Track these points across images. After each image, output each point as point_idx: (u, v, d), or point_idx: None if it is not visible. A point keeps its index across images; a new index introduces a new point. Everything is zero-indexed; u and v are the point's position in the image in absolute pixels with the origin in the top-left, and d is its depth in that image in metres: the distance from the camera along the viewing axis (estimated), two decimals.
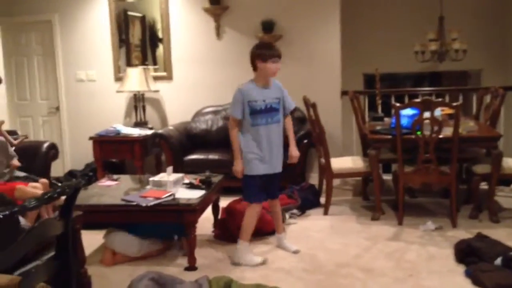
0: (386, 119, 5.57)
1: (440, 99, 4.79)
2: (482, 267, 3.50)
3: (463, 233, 4.28)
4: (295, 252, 3.99)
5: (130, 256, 3.94)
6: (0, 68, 5.54)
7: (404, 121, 4.60)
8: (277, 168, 3.90)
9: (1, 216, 1.85)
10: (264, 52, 3.73)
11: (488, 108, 5.46)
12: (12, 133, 5.08)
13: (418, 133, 4.41)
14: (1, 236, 1.96)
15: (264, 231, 4.31)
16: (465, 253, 3.75)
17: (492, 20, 8.14)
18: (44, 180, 4.40)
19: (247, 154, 3.80)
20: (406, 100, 6.04)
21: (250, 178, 3.84)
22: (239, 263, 3.82)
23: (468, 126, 4.84)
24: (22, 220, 2.83)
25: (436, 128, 4.37)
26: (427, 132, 4.39)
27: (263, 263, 3.81)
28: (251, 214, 3.89)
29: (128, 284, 3.21)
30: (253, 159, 3.80)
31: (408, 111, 4.72)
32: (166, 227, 4.06)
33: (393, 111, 4.57)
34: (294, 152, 4.00)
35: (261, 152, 3.80)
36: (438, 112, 4.55)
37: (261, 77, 3.79)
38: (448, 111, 4.87)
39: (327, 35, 6.12)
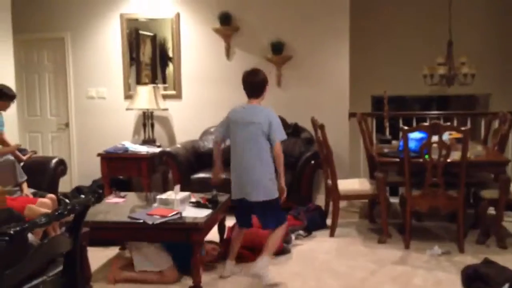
0: (393, 141, 5.57)
1: (448, 123, 4.81)
2: None
3: (470, 259, 4.26)
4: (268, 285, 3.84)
5: (151, 270, 3.92)
6: (11, 84, 5.57)
7: (412, 145, 4.59)
8: (253, 196, 3.85)
9: (12, 232, 1.85)
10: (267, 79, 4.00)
11: (497, 133, 5.45)
12: (20, 150, 5.12)
13: (426, 156, 4.41)
14: (11, 253, 1.97)
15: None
16: (472, 279, 3.72)
17: (501, 45, 8.18)
18: (52, 196, 4.42)
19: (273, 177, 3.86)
20: (414, 123, 6.04)
21: (276, 201, 3.87)
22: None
23: (476, 151, 4.84)
24: (30, 236, 2.84)
25: (444, 152, 4.37)
26: (435, 156, 4.38)
27: None
28: (234, 236, 4.13)
29: None
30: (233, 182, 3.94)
31: (416, 135, 4.72)
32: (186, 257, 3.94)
33: (401, 134, 4.58)
34: (283, 191, 3.94)
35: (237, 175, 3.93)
36: (446, 136, 4.56)
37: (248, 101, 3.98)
38: (456, 135, 4.86)
39: (336, 57, 6.16)
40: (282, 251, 4.39)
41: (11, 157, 4.55)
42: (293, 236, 4.75)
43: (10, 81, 5.52)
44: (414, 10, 8.35)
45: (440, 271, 4.05)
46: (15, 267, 1.90)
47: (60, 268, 2.55)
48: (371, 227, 5.23)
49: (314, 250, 4.59)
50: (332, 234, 4.95)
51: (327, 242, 4.82)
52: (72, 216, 2.36)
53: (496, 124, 5.66)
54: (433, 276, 3.97)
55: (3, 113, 4.89)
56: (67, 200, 2.50)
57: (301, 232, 4.90)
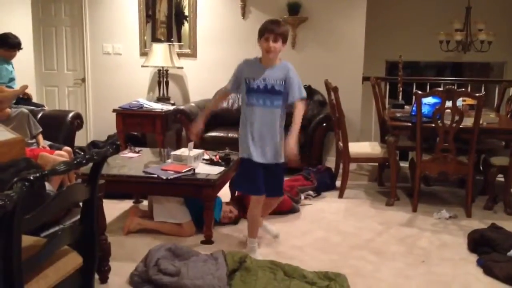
0: (406, 106, 5.59)
1: (462, 89, 4.79)
2: (495, 257, 3.54)
3: (477, 223, 4.33)
4: (275, 236, 3.88)
5: (171, 225, 4.01)
6: (29, 37, 5.64)
7: (425, 110, 4.61)
8: (271, 158, 3.48)
9: (32, 178, 1.92)
10: (260, 29, 3.43)
11: (510, 101, 5.44)
12: (38, 105, 5.20)
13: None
14: (30, 199, 2.05)
15: (277, 210, 4.39)
16: (478, 243, 3.78)
17: None
18: (68, 148, 4.52)
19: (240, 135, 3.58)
20: (428, 89, 6.03)
21: (242, 162, 3.59)
22: None
23: (488, 118, 4.85)
24: (47, 185, 2.94)
25: (457, 117, 4.39)
26: (447, 122, 4.41)
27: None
28: (255, 208, 3.64)
29: (146, 253, 3.32)
30: (242, 141, 3.55)
31: (429, 100, 4.73)
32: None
33: (414, 98, 4.59)
34: (292, 146, 3.35)
35: (254, 136, 3.47)
36: (459, 102, 4.56)
37: (262, 55, 3.48)
38: (470, 101, 4.88)
39: (352, 20, 6.12)
40: (291, 210, 4.49)
41: (25, 110, 4.63)
42: (302, 196, 4.84)
43: (27, 35, 5.59)
44: None
45: (446, 234, 4.13)
46: (34, 212, 1.98)
47: (78, 216, 2.65)
48: (379, 190, 5.31)
49: (323, 210, 4.68)
50: (341, 196, 5.03)
51: (336, 203, 4.90)
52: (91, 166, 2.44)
53: (510, 92, 5.64)
54: (439, 239, 4.04)
55: (15, 64, 4.91)
56: (83, 153, 2.58)
57: (310, 192, 4.99)
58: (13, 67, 5.11)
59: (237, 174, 3.80)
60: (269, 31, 3.36)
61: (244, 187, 3.78)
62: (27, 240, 2.21)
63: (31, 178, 1.91)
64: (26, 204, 1.94)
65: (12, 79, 5.07)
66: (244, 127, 3.51)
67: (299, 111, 3.43)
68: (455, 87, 5.38)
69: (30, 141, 4.51)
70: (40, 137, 4.61)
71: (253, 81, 3.43)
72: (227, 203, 4.34)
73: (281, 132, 3.50)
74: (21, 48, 5.00)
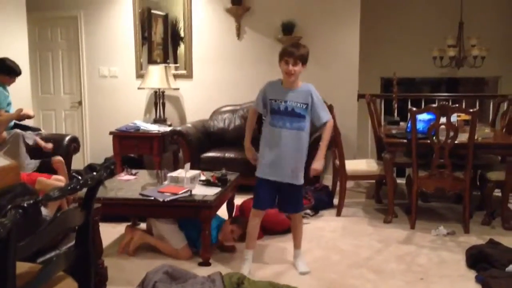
0: (401, 123, 5.61)
1: (456, 105, 4.82)
2: (493, 273, 3.52)
3: (475, 239, 4.31)
4: (302, 273, 3.68)
5: (170, 247, 4.00)
6: (25, 61, 5.67)
7: (420, 126, 4.63)
8: (286, 178, 3.56)
9: (26, 205, 1.92)
10: (281, 52, 3.56)
11: (505, 116, 5.47)
12: (35, 129, 5.21)
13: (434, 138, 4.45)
14: (25, 225, 2.05)
15: (273, 230, 4.39)
16: (477, 259, 3.77)
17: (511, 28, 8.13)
18: (60, 158, 4.52)
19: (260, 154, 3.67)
20: (423, 105, 6.06)
21: (256, 180, 3.67)
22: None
23: (483, 133, 4.86)
24: (44, 210, 2.93)
25: (451, 133, 4.40)
26: (442, 138, 4.42)
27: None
28: (251, 219, 3.75)
29: (143, 276, 3.30)
30: (260, 160, 3.64)
31: (424, 116, 4.75)
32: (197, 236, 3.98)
33: (409, 115, 4.61)
34: (317, 165, 3.60)
35: (268, 155, 3.57)
36: (454, 118, 4.58)
37: (283, 78, 3.58)
38: (465, 117, 4.90)
39: (346, 38, 6.18)
40: (289, 229, 4.47)
41: (18, 130, 4.63)
42: None
43: (24, 59, 5.61)
44: None
45: (444, 251, 4.12)
46: (28, 239, 1.98)
47: (73, 242, 2.64)
48: (377, 207, 5.30)
49: (321, 228, 4.67)
50: (338, 214, 5.03)
51: (334, 221, 4.90)
52: (86, 191, 2.44)
53: (504, 106, 5.67)
54: (438, 255, 4.03)
55: (10, 90, 4.93)
56: (79, 177, 2.58)
57: (308, 211, 4.97)
58: (8, 91, 5.13)
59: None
60: (288, 54, 3.46)
61: (253, 199, 3.81)
62: (21, 266, 2.21)
63: (25, 205, 1.90)
64: (21, 230, 1.93)
65: (9, 104, 5.08)
66: (263, 146, 3.62)
67: (326, 133, 3.60)
68: (450, 103, 5.42)
69: (27, 162, 4.50)
70: (38, 139, 4.61)
71: (275, 103, 3.53)
72: (231, 222, 4.27)
73: (300, 154, 3.58)
74: (19, 74, 5.02)
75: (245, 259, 3.73)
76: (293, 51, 3.46)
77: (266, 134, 3.61)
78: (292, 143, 3.52)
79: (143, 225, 4.52)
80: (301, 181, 3.62)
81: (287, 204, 3.72)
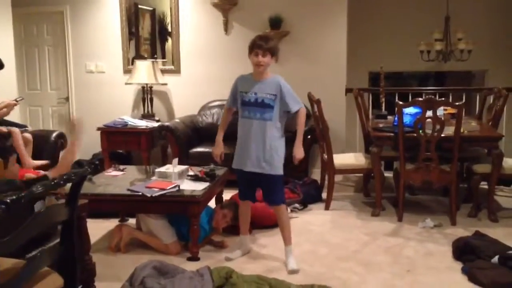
0: (389, 117, 5.63)
1: (443, 99, 4.85)
2: (479, 264, 3.57)
3: (462, 231, 4.36)
4: (291, 271, 3.63)
5: (160, 242, 4.01)
6: (11, 57, 5.62)
7: (406, 120, 4.66)
8: (251, 167, 3.64)
9: (9, 201, 1.91)
10: (250, 44, 3.67)
11: (491, 109, 5.51)
12: (21, 126, 5.17)
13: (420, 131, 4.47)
14: (10, 221, 2.04)
15: (262, 224, 4.40)
16: (463, 251, 3.82)
17: (498, 22, 8.19)
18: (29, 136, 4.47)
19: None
20: (410, 98, 6.08)
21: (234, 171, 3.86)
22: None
23: (470, 126, 4.90)
24: (41, 203, 2.86)
25: (438, 127, 4.43)
26: (429, 131, 4.45)
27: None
28: (239, 210, 3.99)
29: (131, 272, 3.30)
30: (235, 151, 3.78)
31: (411, 110, 4.78)
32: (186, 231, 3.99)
33: (396, 109, 4.64)
34: (296, 152, 3.69)
35: (239, 146, 3.73)
36: (441, 111, 4.61)
37: (253, 69, 3.71)
38: (451, 110, 4.93)
39: (333, 33, 6.18)
40: (277, 223, 4.48)
41: None
42: (289, 209, 4.83)
43: (9, 55, 5.57)
44: None
45: (431, 243, 4.15)
46: (11, 235, 1.97)
47: (58, 238, 2.64)
48: (365, 201, 5.33)
49: (309, 222, 4.69)
50: (327, 207, 5.05)
51: (322, 215, 4.92)
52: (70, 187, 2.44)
53: (491, 100, 5.71)
54: (425, 247, 4.07)
55: None
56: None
57: (297, 205, 4.99)
58: None
59: None
60: (257, 46, 3.59)
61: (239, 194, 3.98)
62: (5, 262, 2.20)
63: (8, 201, 1.90)
64: (4, 225, 1.93)
65: None
66: (238, 138, 3.73)
67: (300, 120, 3.67)
68: (437, 96, 5.45)
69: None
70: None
71: (245, 95, 3.65)
72: (220, 208, 4.30)
73: (273, 144, 3.63)
74: (2, 67, 4.97)
75: (240, 243, 3.95)
76: (261, 44, 3.59)
77: (239, 127, 3.75)
78: (258, 133, 3.61)
79: (131, 221, 4.52)
80: (276, 171, 3.66)
81: (265, 196, 3.81)
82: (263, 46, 3.57)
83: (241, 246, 3.96)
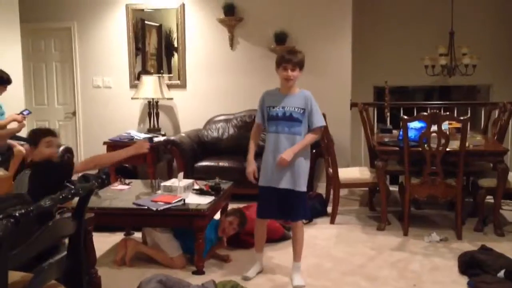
0: (394, 131, 5.64)
1: (447, 113, 4.86)
2: (485, 279, 3.56)
3: (468, 245, 4.34)
4: (296, 287, 3.63)
5: (165, 256, 4.01)
6: (19, 72, 5.69)
7: (411, 134, 4.67)
8: (283, 183, 3.59)
9: (18, 214, 1.94)
10: (277, 59, 3.66)
11: (496, 123, 5.52)
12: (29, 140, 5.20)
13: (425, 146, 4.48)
14: (18, 235, 2.06)
15: (270, 238, 4.39)
16: (469, 265, 3.80)
17: (503, 37, 8.22)
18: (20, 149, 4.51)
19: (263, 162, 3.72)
20: (415, 113, 6.10)
21: (258, 189, 3.75)
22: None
23: (475, 140, 4.90)
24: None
25: (443, 141, 4.44)
26: (434, 145, 4.46)
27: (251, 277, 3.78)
28: (255, 228, 3.89)
29: (137, 286, 3.31)
30: (262, 168, 3.71)
31: (415, 124, 4.80)
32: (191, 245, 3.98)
33: (401, 123, 4.65)
34: (285, 154, 3.52)
35: (267, 162, 3.65)
36: (445, 125, 4.62)
37: (281, 84, 3.68)
38: (456, 124, 4.93)
39: (338, 47, 6.23)
40: (283, 237, 4.49)
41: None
42: None
43: (17, 70, 5.63)
44: (416, 0, 8.40)
45: (437, 257, 4.14)
46: (20, 248, 1.99)
47: (65, 252, 2.65)
48: (370, 215, 5.32)
49: (315, 236, 4.68)
50: (332, 221, 5.04)
51: (327, 229, 4.91)
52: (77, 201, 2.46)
53: (496, 114, 5.72)
54: (431, 262, 4.06)
55: (4, 103, 4.93)
56: (71, 186, 2.61)
57: (306, 218, 4.98)
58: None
59: None
60: (286, 61, 3.56)
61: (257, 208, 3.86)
62: (14, 275, 2.22)
63: (17, 214, 1.92)
64: (12, 239, 1.95)
65: (1, 114, 5.09)
66: (264, 154, 3.68)
67: (310, 135, 3.63)
68: (442, 111, 5.47)
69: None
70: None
71: (273, 109, 3.61)
72: (226, 216, 4.29)
73: (301, 159, 3.61)
74: (10, 83, 5.03)
75: (255, 261, 3.89)
76: (291, 58, 3.57)
77: (266, 142, 3.69)
78: (287, 148, 3.55)
79: (137, 235, 4.53)
80: (301, 188, 3.63)
81: (285, 210, 3.69)
82: (292, 60, 3.55)
83: (257, 264, 3.88)
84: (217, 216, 4.44)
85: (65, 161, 3.74)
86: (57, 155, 3.81)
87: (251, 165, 3.74)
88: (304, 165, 3.64)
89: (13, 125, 4.83)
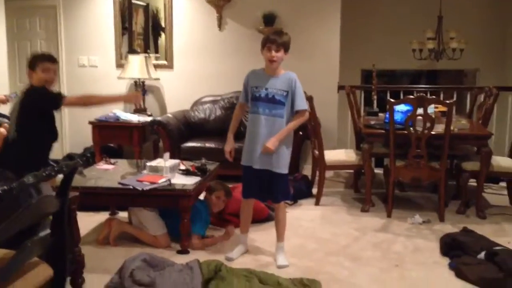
0: (380, 114, 5.67)
1: (433, 97, 4.88)
2: (466, 260, 3.61)
3: (450, 227, 4.39)
4: (280, 267, 3.64)
5: (149, 235, 4.02)
6: (3, 51, 5.63)
7: (397, 117, 4.70)
8: (260, 164, 3.59)
9: (0, 192, 1.93)
10: (262, 39, 3.62)
11: (481, 107, 5.56)
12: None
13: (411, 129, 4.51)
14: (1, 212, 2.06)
15: (254, 219, 4.41)
16: (450, 247, 3.86)
17: (490, 21, 8.25)
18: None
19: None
20: (402, 96, 6.13)
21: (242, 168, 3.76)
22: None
23: (460, 124, 4.94)
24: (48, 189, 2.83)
25: (428, 124, 4.47)
26: (419, 128, 4.48)
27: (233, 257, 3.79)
28: (241, 208, 3.92)
29: (121, 265, 3.31)
30: (243, 148, 3.71)
31: (402, 107, 4.82)
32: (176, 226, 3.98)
33: (387, 106, 4.67)
34: (269, 142, 3.51)
35: (248, 142, 3.66)
36: (431, 109, 4.65)
37: (265, 65, 3.63)
38: (442, 108, 4.97)
39: (327, 30, 6.21)
40: (267, 218, 4.51)
41: None
42: None
43: (1, 48, 5.57)
44: None
45: (420, 239, 4.19)
46: (1, 225, 1.98)
47: (49, 230, 2.65)
48: (355, 197, 5.37)
49: (299, 217, 4.72)
50: (317, 203, 5.08)
51: (312, 210, 4.95)
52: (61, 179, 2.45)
53: (482, 98, 5.76)
54: (413, 243, 4.10)
55: None
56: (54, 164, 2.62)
57: (287, 200, 5.01)
58: None
59: None
60: (271, 41, 3.53)
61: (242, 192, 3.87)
62: None
63: None
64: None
65: None
66: (246, 134, 3.68)
67: (295, 119, 3.60)
68: (428, 95, 5.50)
69: None
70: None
71: (256, 90, 3.59)
72: (210, 193, 4.28)
73: (283, 142, 3.58)
74: None
75: (240, 242, 3.91)
76: (275, 38, 3.53)
77: (248, 122, 3.69)
78: (268, 129, 3.55)
79: (122, 214, 4.53)
80: (281, 169, 3.62)
81: (267, 192, 3.73)
82: (276, 41, 3.51)
83: (241, 245, 3.90)
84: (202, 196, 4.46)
85: (57, 92, 3.79)
86: (55, 82, 3.87)
87: (228, 144, 3.76)
88: (284, 147, 3.62)
89: None
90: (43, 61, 3.71)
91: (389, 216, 4.70)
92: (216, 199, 4.24)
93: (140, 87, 6.27)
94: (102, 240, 4.05)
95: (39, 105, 3.66)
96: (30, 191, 2.50)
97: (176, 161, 4.42)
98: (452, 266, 3.61)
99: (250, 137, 3.64)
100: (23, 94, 3.70)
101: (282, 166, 3.63)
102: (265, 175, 3.62)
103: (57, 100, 3.71)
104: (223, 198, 4.27)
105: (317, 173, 5.23)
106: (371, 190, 4.90)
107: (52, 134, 3.80)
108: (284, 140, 3.58)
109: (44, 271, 2.35)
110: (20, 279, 2.18)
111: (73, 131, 6.78)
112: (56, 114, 3.86)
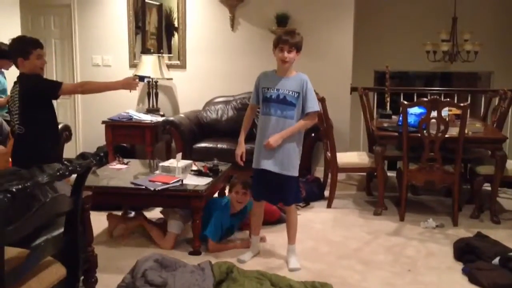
0: (394, 116, 5.63)
1: (447, 99, 4.84)
2: (480, 265, 3.57)
3: (464, 232, 4.36)
4: (291, 269, 3.63)
5: (160, 233, 4.07)
6: None
7: (411, 120, 4.66)
8: (268, 165, 3.56)
9: (15, 190, 1.94)
10: (274, 39, 3.60)
11: (496, 110, 5.51)
12: None
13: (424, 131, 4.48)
14: (15, 210, 2.06)
15: (266, 220, 4.40)
16: (464, 251, 3.82)
17: (505, 23, 8.19)
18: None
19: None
20: (415, 99, 6.08)
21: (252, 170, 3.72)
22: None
23: (474, 127, 4.90)
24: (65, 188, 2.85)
25: (442, 127, 4.43)
26: (433, 131, 4.45)
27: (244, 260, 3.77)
28: (252, 210, 3.93)
29: (133, 265, 3.32)
30: (254, 150, 3.68)
31: (415, 110, 4.78)
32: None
33: (400, 109, 4.64)
34: (272, 138, 3.49)
35: (258, 143, 3.62)
36: (445, 112, 4.61)
37: (277, 66, 3.62)
38: (456, 111, 4.92)
39: (340, 31, 6.18)
40: (279, 220, 4.50)
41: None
42: None
43: None
44: None
45: (433, 243, 4.16)
46: (16, 224, 1.99)
47: (62, 229, 2.66)
48: (367, 200, 5.34)
49: (311, 220, 4.70)
50: (329, 205, 5.06)
51: (324, 213, 4.93)
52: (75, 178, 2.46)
53: (496, 101, 5.71)
54: (426, 247, 4.07)
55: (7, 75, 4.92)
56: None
57: (298, 203, 4.99)
58: (5, 78, 5.11)
59: None
60: (283, 42, 3.50)
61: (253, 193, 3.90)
62: (10, 251, 2.22)
63: (13, 189, 1.92)
64: (9, 214, 1.95)
65: (3, 90, 5.08)
66: (257, 136, 3.65)
67: (303, 121, 3.57)
68: (442, 97, 5.45)
69: None
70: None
71: (267, 91, 3.56)
72: (229, 191, 4.19)
73: (291, 144, 3.56)
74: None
75: (251, 243, 3.91)
76: (287, 39, 3.50)
77: (258, 124, 3.66)
78: (277, 131, 3.52)
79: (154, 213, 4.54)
80: (291, 172, 3.59)
81: (277, 194, 3.71)
82: (289, 41, 3.48)
83: (252, 247, 3.89)
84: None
85: (55, 81, 3.77)
86: (45, 65, 3.81)
87: (239, 147, 3.73)
88: (294, 149, 3.59)
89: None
90: (36, 48, 3.61)
91: (402, 219, 4.67)
92: (236, 194, 4.12)
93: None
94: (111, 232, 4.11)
95: (38, 91, 3.58)
96: (45, 190, 2.52)
97: (189, 161, 4.43)
98: (465, 271, 3.58)
99: (260, 139, 3.61)
100: (18, 85, 3.62)
101: (291, 168, 3.59)
102: (275, 177, 3.59)
103: (55, 86, 3.64)
104: (242, 190, 4.09)
105: (329, 175, 5.20)
106: (383, 193, 4.87)
107: (56, 129, 3.79)
108: (288, 139, 3.54)
109: (58, 270, 2.36)
110: (34, 278, 2.19)
111: (86, 130, 6.81)
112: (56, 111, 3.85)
